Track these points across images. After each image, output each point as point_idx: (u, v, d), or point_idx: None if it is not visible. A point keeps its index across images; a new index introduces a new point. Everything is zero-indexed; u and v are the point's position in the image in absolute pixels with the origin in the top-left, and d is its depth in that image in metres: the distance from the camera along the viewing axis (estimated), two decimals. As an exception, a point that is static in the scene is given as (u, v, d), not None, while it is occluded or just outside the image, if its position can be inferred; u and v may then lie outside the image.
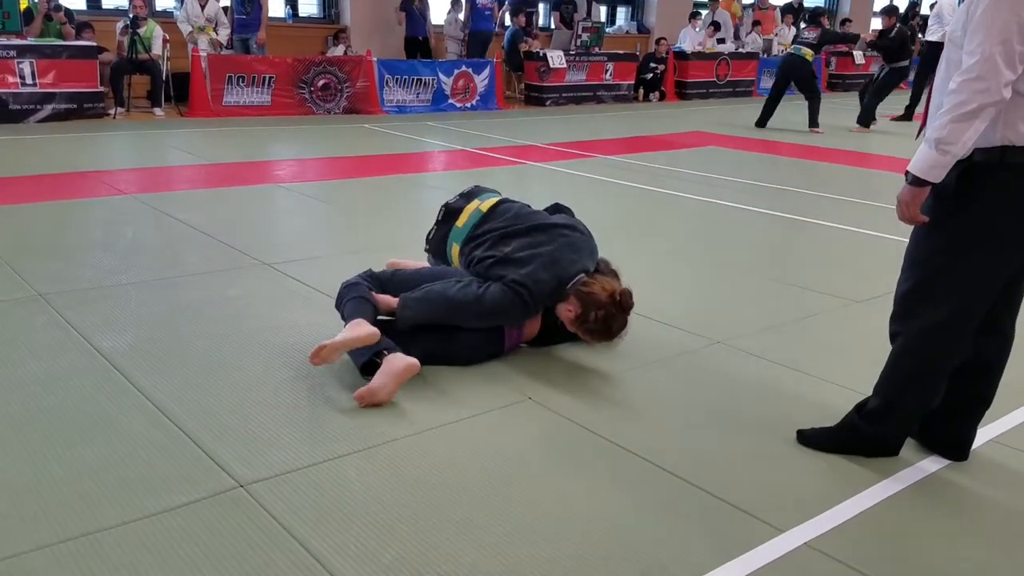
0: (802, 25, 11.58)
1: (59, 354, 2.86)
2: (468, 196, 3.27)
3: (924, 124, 2.25)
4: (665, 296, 3.18)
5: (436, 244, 3.24)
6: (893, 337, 2.31)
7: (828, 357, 3.13)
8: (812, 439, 2.43)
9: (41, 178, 5.85)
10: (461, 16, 12.30)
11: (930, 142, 2.00)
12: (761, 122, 10.33)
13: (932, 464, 2.36)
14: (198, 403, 2.55)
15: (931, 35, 10.94)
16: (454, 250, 3.15)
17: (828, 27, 10.64)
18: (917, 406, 2.32)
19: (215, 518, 1.97)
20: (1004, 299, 2.23)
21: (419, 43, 11.93)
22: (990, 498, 2.23)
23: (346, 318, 2.78)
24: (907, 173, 2.08)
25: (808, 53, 10.05)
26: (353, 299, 2.83)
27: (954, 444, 2.38)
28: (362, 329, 2.64)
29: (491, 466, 2.27)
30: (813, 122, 10.09)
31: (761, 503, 2.14)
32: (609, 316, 2.78)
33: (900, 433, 2.37)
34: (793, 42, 11.01)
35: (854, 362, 3.09)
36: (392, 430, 2.44)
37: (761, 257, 4.60)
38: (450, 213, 3.21)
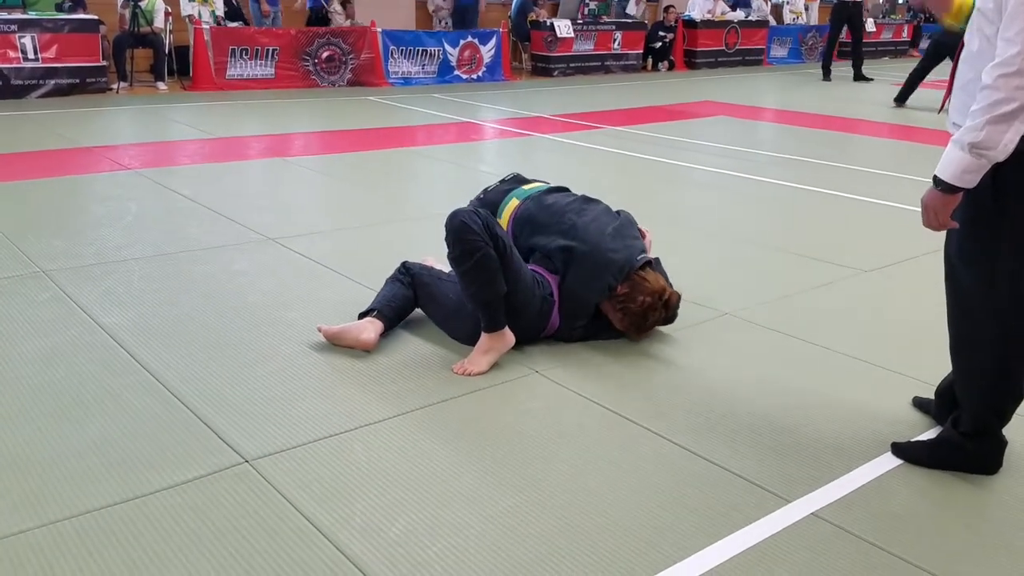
0: None
1: (62, 330, 2.84)
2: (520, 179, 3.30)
3: (948, 95, 2.05)
4: (673, 267, 3.13)
5: (494, 195, 3.20)
6: (965, 345, 2.09)
7: (835, 327, 3.09)
8: (907, 452, 2.22)
9: (44, 154, 5.81)
10: None
11: (963, 145, 1.78)
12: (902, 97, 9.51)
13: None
14: (202, 379, 2.53)
15: None
16: (511, 203, 3.09)
17: None
18: (994, 400, 2.11)
19: (220, 494, 1.95)
20: None
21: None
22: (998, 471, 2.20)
23: (378, 300, 2.88)
24: (935, 178, 1.87)
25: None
26: (391, 290, 2.90)
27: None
28: (366, 334, 2.73)
29: (497, 439, 2.25)
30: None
31: (768, 474, 2.12)
32: (652, 307, 2.81)
33: (1000, 445, 2.15)
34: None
35: (860, 331, 3.06)
36: (397, 405, 2.42)
37: (771, 228, 4.54)
38: (519, 179, 3.27)
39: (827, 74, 12.28)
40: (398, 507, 1.93)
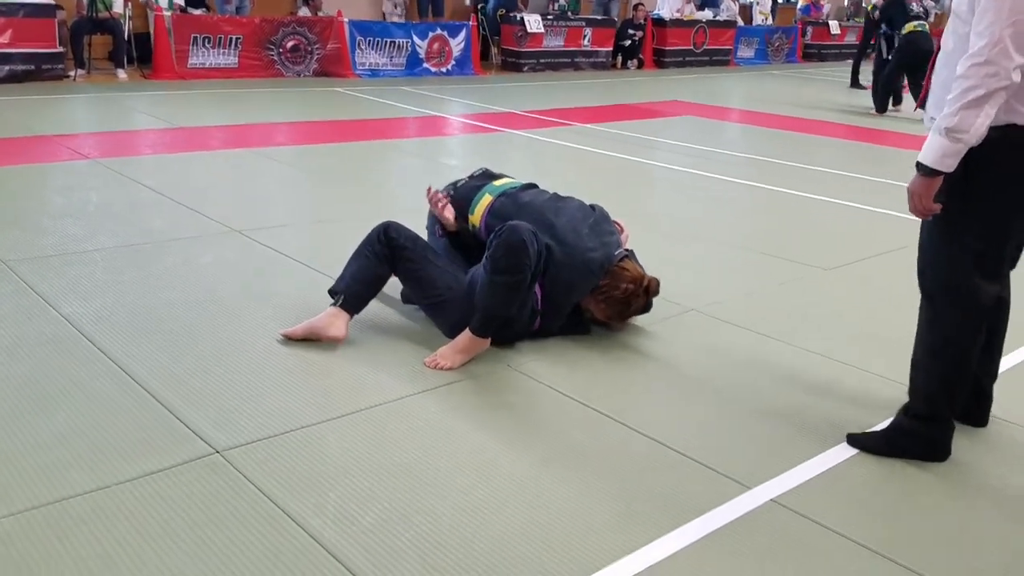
0: None
1: (25, 322, 2.80)
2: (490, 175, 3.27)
3: (925, 95, 2.18)
4: (640, 263, 3.18)
5: (465, 191, 3.12)
6: (929, 325, 2.20)
7: (796, 323, 3.17)
8: (863, 443, 2.30)
9: None
10: None
11: (940, 130, 1.93)
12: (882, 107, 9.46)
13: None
14: (170, 370, 2.51)
15: None
16: (485, 199, 3.02)
17: None
18: (962, 389, 2.23)
19: (192, 484, 1.95)
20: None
21: None
22: (951, 457, 2.29)
23: (345, 279, 2.79)
24: (918, 164, 2.01)
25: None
26: (361, 268, 2.80)
27: (978, 414, 2.40)
28: (334, 329, 2.70)
29: (470, 431, 2.28)
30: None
31: (730, 462, 2.18)
32: (634, 294, 2.86)
33: (949, 430, 2.26)
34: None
35: (821, 327, 3.15)
36: (370, 397, 2.43)
37: (735, 226, 4.62)
38: (488, 174, 3.22)
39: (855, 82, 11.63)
40: (371, 496, 1.95)
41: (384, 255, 2.81)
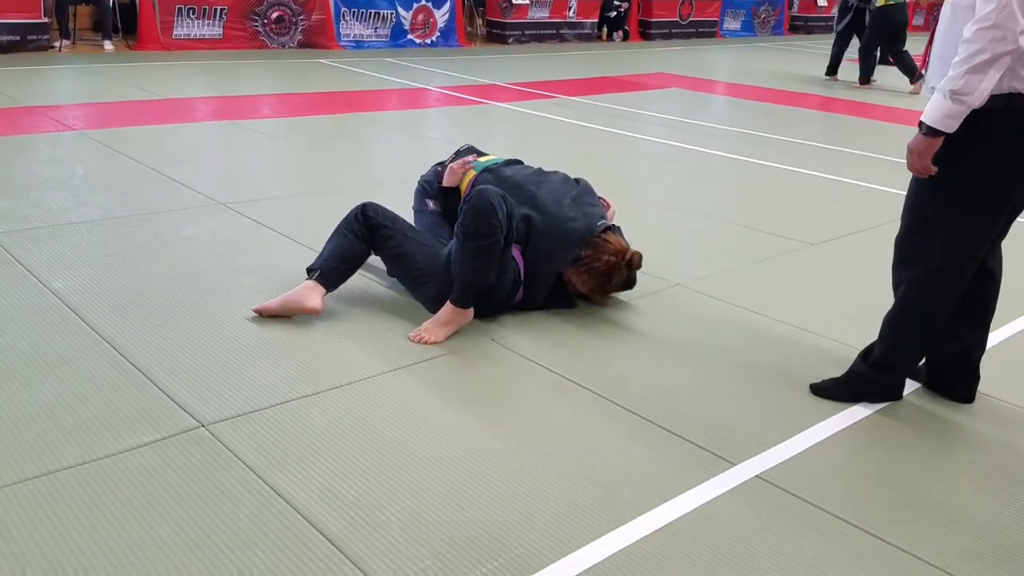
0: None
1: (9, 293, 2.79)
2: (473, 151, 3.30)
3: (924, 67, 2.25)
4: (626, 237, 3.20)
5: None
6: (896, 286, 2.32)
7: (783, 298, 3.20)
8: (827, 391, 2.45)
9: (-18, 112, 5.61)
10: None
11: (945, 92, 1.98)
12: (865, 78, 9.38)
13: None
14: (156, 343, 2.52)
15: None
16: (468, 174, 3.11)
17: None
18: (922, 349, 2.37)
19: (177, 457, 1.97)
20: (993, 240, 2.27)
21: None
22: (928, 431, 2.33)
23: (323, 256, 2.79)
24: (920, 123, 2.06)
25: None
26: (340, 245, 2.80)
27: (964, 390, 2.46)
28: (311, 300, 2.69)
29: (454, 406, 2.30)
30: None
31: (716, 438, 2.21)
32: (615, 267, 2.87)
33: (903, 377, 2.43)
34: None
35: (807, 303, 3.18)
36: (355, 371, 2.44)
37: (721, 200, 4.64)
38: (473, 150, 3.25)
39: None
40: (356, 471, 1.97)
41: (363, 234, 2.81)
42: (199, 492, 1.85)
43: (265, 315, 2.71)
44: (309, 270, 2.79)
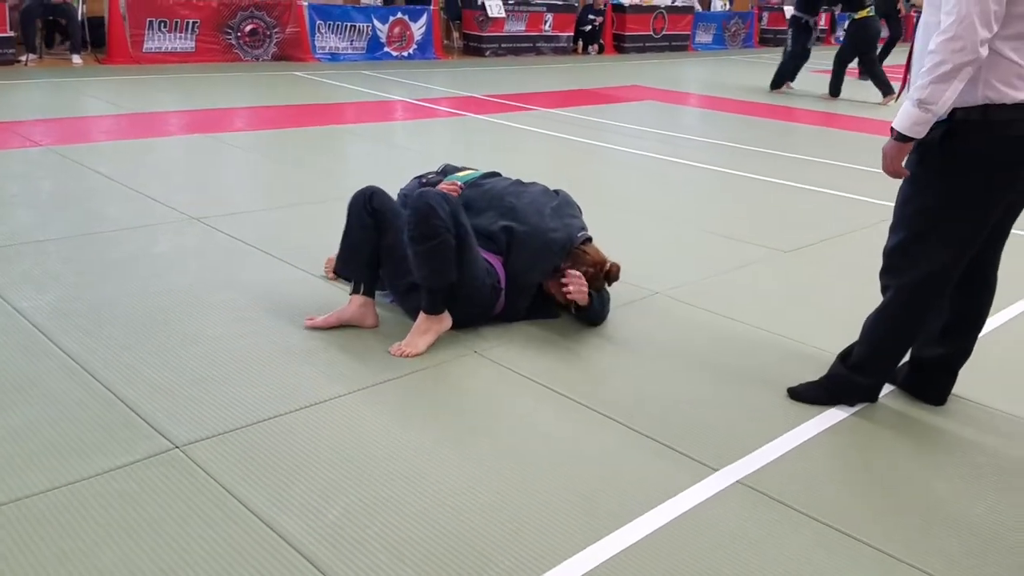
0: None
1: (-25, 314, 2.72)
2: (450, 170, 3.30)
3: (905, 83, 2.30)
4: (602, 248, 3.19)
5: (432, 184, 3.19)
6: (884, 290, 2.37)
7: (760, 305, 3.21)
8: (804, 394, 2.48)
9: (-53, 128, 5.50)
10: None
11: (913, 101, 2.06)
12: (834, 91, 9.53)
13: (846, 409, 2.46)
14: (127, 363, 2.46)
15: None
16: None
17: None
18: (899, 354, 2.43)
19: (151, 481, 1.92)
20: (989, 250, 2.33)
21: None
22: (904, 432, 2.34)
23: (350, 263, 2.85)
24: (892, 129, 2.14)
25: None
26: (360, 247, 2.81)
27: (938, 392, 2.51)
28: (368, 320, 2.78)
29: (435, 419, 2.26)
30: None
31: (697, 444, 2.20)
32: (593, 278, 2.87)
33: (882, 380, 2.48)
34: None
35: (784, 308, 3.19)
36: (335, 387, 2.40)
37: (696, 210, 4.66)
38: (450, 168, 3.31)
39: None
40: (336, 488, 1.93)
41: (371, 225, 2.80)
42: (174, 516, 1.80)
43: (319, 327, 2.76)
44: (342, 276, 2.95)
